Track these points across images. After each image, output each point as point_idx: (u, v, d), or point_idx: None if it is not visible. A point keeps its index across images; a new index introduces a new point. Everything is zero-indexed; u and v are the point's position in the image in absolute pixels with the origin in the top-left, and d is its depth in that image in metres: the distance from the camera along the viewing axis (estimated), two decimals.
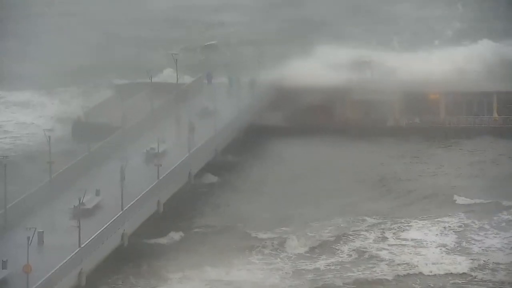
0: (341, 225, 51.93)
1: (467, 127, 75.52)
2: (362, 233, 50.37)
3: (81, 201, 42.23)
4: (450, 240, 49.09)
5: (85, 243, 40.21)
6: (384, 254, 46.74)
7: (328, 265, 45.21)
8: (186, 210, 55.71)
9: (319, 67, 78.79)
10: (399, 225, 51.71)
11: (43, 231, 41.13)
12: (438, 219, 52.81)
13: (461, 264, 44.87)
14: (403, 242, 48.64)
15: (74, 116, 71.15)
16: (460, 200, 57.31)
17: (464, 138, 73.96)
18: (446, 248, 47.63)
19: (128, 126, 64.31)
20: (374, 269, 44.50)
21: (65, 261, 38.11)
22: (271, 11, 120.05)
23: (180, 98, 73.04)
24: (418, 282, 42.92)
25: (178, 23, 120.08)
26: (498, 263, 45.06)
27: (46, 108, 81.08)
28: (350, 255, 46.86)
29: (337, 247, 47.99)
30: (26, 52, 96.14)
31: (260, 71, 78.63)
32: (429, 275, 43.70)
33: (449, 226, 51.41)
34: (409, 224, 51.85)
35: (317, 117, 75.56)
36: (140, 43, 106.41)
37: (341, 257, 46.60)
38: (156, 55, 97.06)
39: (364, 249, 47.54)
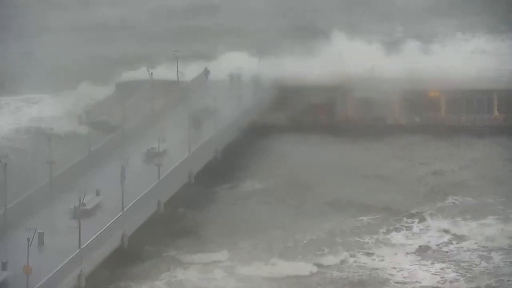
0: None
1: (467, 125, 75.47)
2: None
3: (81, 202, 42.41)
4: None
5: (85, 245, 40.31)
6: None
7: None
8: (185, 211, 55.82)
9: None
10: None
11: (43, 232, 41.20)
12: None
13: None
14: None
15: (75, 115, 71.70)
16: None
17: (464, 136, 73.75)
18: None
19: (129, 125, 64.54)
20: None
21: (64, 262, 38.21)
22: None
23: (181, 96, 73.33)
24: None
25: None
26: None
27: (46, 107, 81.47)
28: None
29: None
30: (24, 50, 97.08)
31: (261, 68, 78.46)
32: None
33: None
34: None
35: (318, 115, 75.82)
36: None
37: None
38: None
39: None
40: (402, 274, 45.07)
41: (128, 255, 45.38)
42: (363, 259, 47.19)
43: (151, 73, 70.16)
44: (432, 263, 46.72)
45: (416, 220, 53.77)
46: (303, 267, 45.60)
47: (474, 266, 46.14)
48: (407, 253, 48.27)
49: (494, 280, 43.88)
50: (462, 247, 49.13)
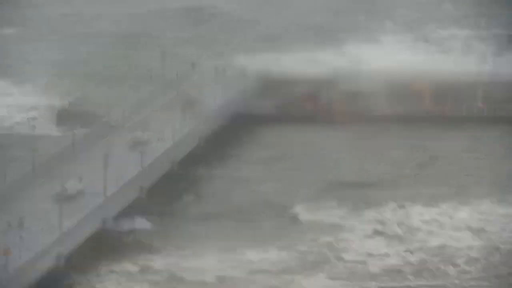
0: None
1: (451, 116, 77.01)
2: None
3: (63, 187, 43.65)
4: None
5: (65, 227, 41.62)
6: None
7: None
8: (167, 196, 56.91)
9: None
10: None
11: (24, 216, 41.79)
12: None
13: None
14: None
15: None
16: None
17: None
18: None
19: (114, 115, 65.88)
20: None
21: (44, 244, 39.98)
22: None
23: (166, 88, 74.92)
24: None
25: None
26: None
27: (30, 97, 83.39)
28: None
29: None
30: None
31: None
32: None
33: None
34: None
35: (305, 106, 77.42)
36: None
37: None
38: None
39: None
40: None
41: (108, 238, 46.47)
42: None
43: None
44: None
45: None
46: None
47: None
48: None
49: None
50: None
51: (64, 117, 70.05)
